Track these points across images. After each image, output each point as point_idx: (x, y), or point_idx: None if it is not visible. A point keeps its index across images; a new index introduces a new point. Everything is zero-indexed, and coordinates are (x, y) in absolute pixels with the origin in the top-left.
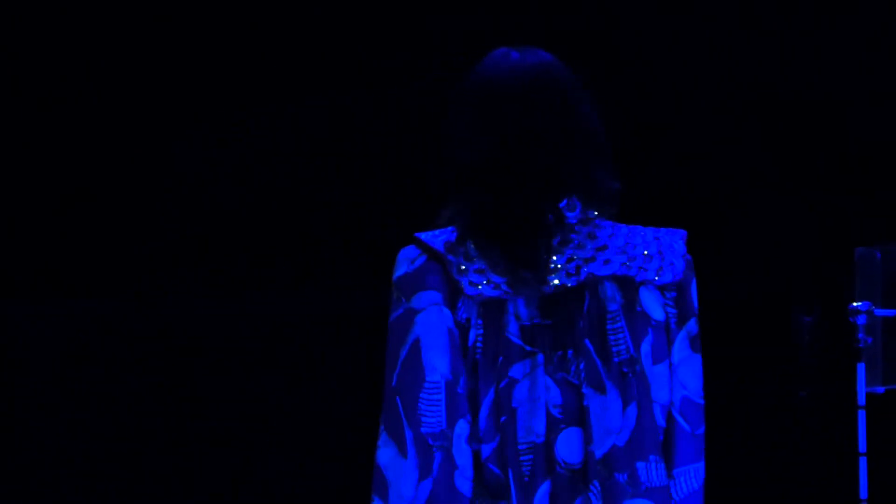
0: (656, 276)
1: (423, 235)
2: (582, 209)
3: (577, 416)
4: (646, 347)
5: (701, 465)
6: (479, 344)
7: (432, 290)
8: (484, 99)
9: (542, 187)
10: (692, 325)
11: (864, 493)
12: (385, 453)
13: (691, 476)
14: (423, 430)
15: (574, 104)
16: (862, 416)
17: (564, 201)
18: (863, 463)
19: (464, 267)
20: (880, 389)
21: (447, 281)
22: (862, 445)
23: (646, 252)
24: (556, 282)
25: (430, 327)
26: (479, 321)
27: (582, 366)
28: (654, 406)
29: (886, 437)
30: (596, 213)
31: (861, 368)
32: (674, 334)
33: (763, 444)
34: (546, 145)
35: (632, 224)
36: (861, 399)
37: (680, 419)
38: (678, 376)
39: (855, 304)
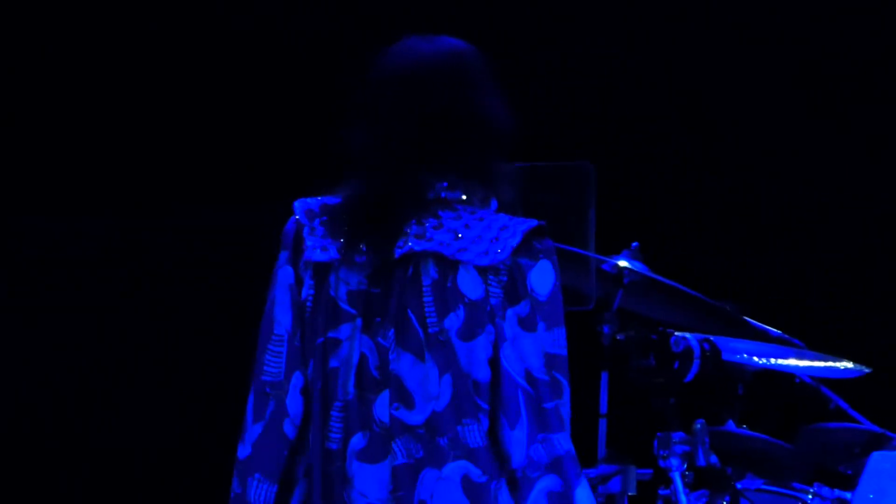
0: (477, 258)
1: (308, 198)
2: (460, 192)
3: (393, 378)
4: (453, 322)
5: (564, 436)
6: (308, 303)
7: (285, 250)
8: (380, 81)
9: (411, 166)
10: (523, 306)
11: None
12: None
13: (558, 443)
14: (263, 377)
15: (470, 93)
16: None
17: (444, 183)
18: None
19: (316, 230)
20: None
21: (297, 241)
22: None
23: (479, 235)
24: (388, 254)
25: (280, 284)
26: (311, 282)
27: (391, 333)
28: (466, 376)
29: None
30: (464, 197)
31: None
32: (497, 312)
33: None
34: (429, 128)
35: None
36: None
37: (528, 388)
38: (516, 351)
39: None
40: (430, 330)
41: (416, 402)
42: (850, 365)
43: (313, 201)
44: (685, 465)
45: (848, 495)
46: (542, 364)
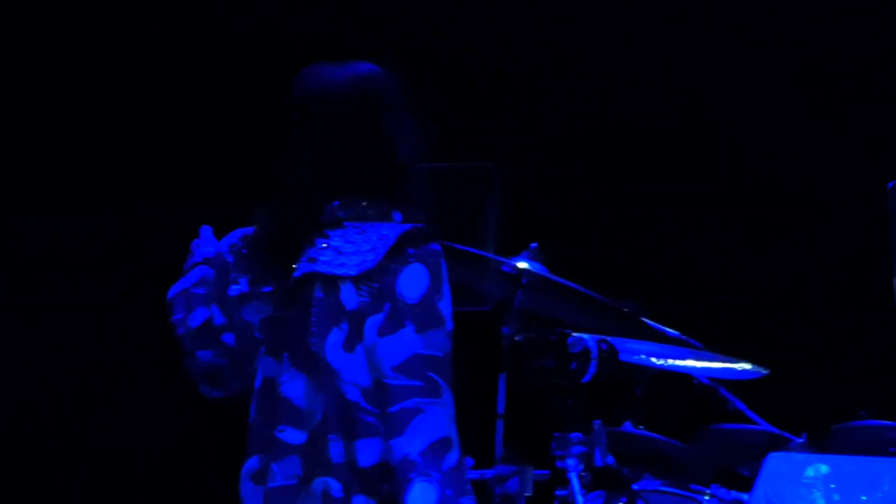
0: (352, 269)
1: (238, 230)
2: (351, 209)
3: (283, 400)
4: (338, 337)
5: (403, 440)
6: (233, 341)
7: (214, 284)
8: (292, 112)
9: (314, 191)
10: (383, 312)
11: None
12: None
13: (391, 451)
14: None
15: (375, 117)
16: None
17: (336, 203)
18: None
19: (236, 264)
20: None
21: (224, 277)
22: None
23: (357, 249)
24: (287, 280)
25: (205, 313)
26: (236, 316)
27: (286, 355)
28: (350, 391)
29: None
30: (353, 212)
31: None
32: (364, 320)
33: None
34: (333, 155)
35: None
36: None
37: (375, 399)
38: (370, 360)
39: None
40: (312, 349)
41: (304, 422)
42: (748, 366)
43: (238, 233)
44: (582, 466)
45: (745, 496)
46: (395, 367)
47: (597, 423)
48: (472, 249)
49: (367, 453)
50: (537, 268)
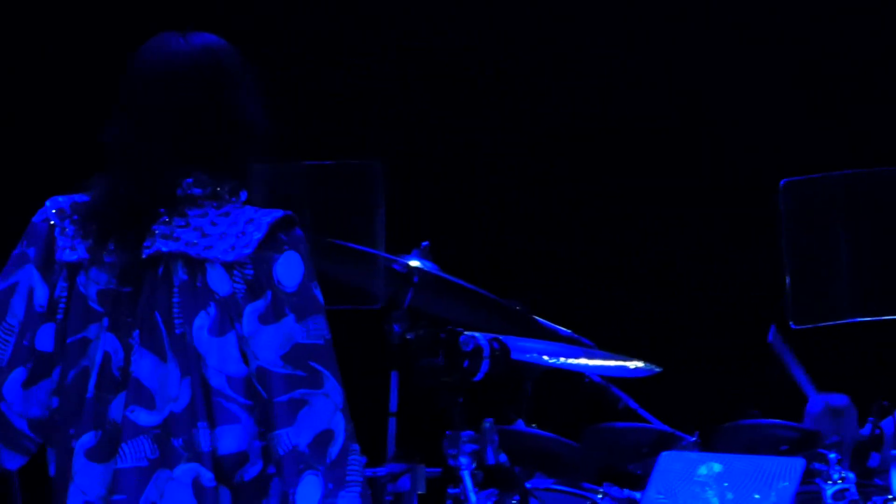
0: (224, 253)
1: (60, 196)
2: (209, 188)
3: (132, 380)
4: (205, 321)
5: (292, 431)
6: (61, 304)
7: (32, 247)
8: (134, 77)
9: (161, 163)
10: (264, 300)
11: None
12: None
13: (280, 441)
14: None
15: (222, 89)
16: None
17: (190, 179)
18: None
19: (67, 230)
20: None
21: (48, 241)
22: None
23: (225, 232)
24: (136, 254)
25: (21, 277)
26: (65, 283)
27: (136, 333)
28: (214, 377)
29: None
30: (210, 192)
31: None
32: (241, 308)
33: None
34: (180, 127)
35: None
36: None
37: (259, 387)
38: (251, 348)
39: None
40: (176, 331)
41: (157, 403)
42: (640, 364)
43: (64, 199)
44: (474, 464)
45: (637, 495)
46: (282, 356)
47: (488, 422)
48: (361, 247)
49: (225, 441)
50: (428, 266)
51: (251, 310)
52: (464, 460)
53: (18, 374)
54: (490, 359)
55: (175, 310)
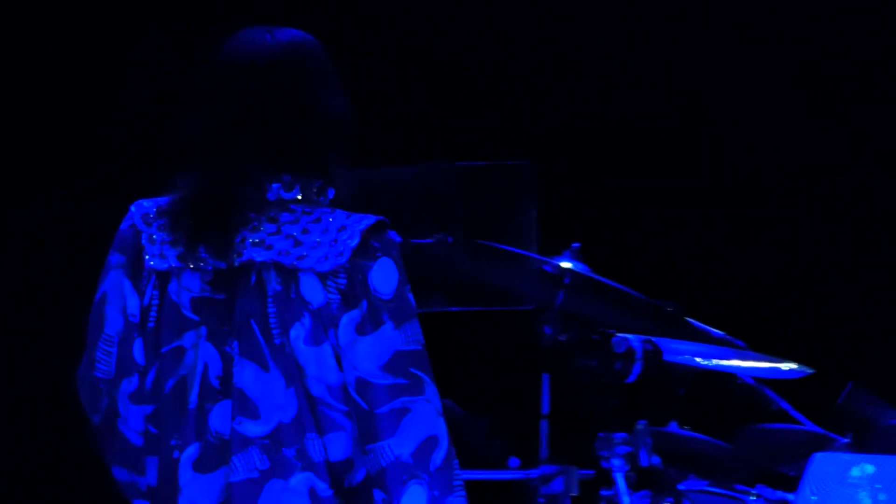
0: (318, 263)
1: (145, 201)
2: (298, 191)
3: (236, 390)
4: (300, 332)
5: (394, 441)
6: (152, 312)
7: (121, 255)
8: (221, 75)
9: (251, 166)
10: (360, 309)
11: None
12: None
13: (383, 452)
14: (96, 373)
15: (309, 87)
16: None
17: (278, 183)
18: None
19: (155, 237)
20: None
21: (136, 248)
22: None
23: (318, 240)
24: (228, 260)
25: (114, 287)
26: (156, 291)
27: (235, 343)
28: (314, 386)
29: None
30: (300, 196)
31: None
32: (336, 319)
33: None
34: (266, 124)
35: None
36: None
37: (358, 399)
38: (349, 358)
39: None
40: (275, 341)
41: (262, 413)
42: (793, 366)
43: (150, 204)
44: (628, 466)
45: (790, 497)
46: (382, 366)
47: (641, 424)
48: (513, 249)
49: (334, 449)
50: (580, 267)
51: (347, 320)
52: (617, 462)
53: (126, 386)
54: (643, 360)
55: (271, 320)
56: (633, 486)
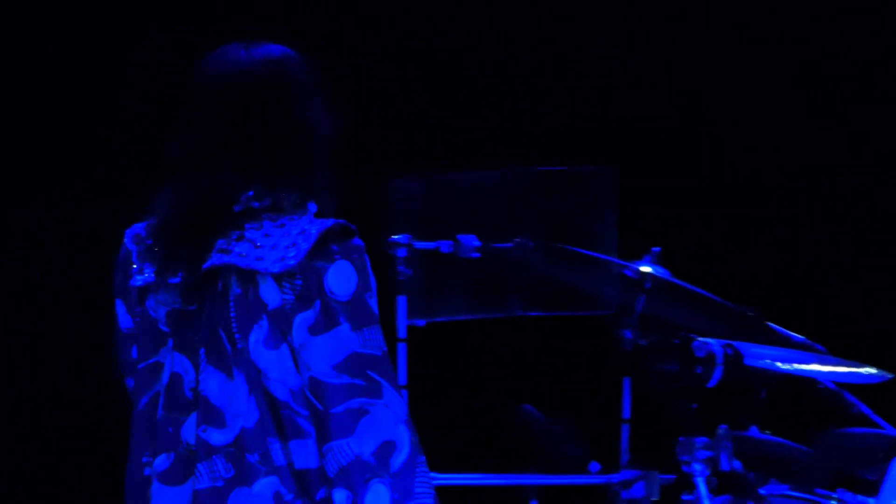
0: (273, 264)
1: (138, 223)
2: (269, 202)
3: (202, 398)
4: (259, 335)
5: (353, 440)
6: (136, 329)
7: (116, 276)
8: (198, 92)
9: (221, 179)
10: (313, 309)
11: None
12: None
13: (342, 451)
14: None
15: (284, 101)
16: (402, 348)
17: (251, 192)
18: (404, 395)
19: (141, 255)
20: (421, 322)
21: (126, 268)
22: (402, 378)
23: (276, 243)
24: (197, 271)
25: (116, 308)
26: (138, 308)
27: (202, 351)
28: (277, 390)
29: (427, 369)
30: (269, 203)
31: (401, 301)
32: (290, 319)
33: None
34: (242, 140)
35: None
36: (402, 332)
37: (313, 399)
38: (302, 359)
39: (394, 236)
40: (238, 346)
41: (227, 421)
42: (873, 370)
43: (141, 225)
44: (708, 471)
45: (871, 501)
46: (336, 366)
47: (722, 428)
48: (594, 253)
49: (300, 456)
50: (660, 271)
51: (300, 320)
52: (698, 467)
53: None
54: (723, 365)
55: (233, 324)
56: (713, 491)
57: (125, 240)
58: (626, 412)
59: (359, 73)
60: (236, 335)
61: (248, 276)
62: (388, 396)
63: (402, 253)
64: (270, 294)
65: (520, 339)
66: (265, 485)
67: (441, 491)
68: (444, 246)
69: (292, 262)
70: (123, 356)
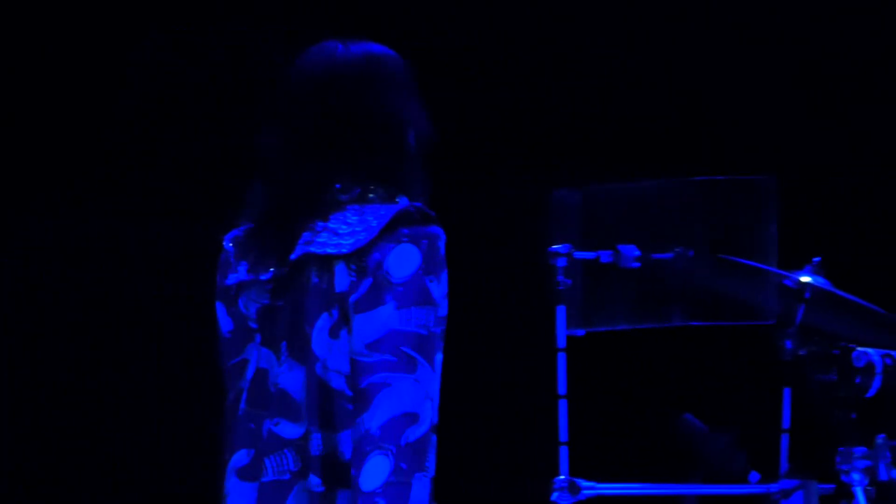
0: (344, 248)
1: (238, 228)
2: (357, 193)
3: (280, 392)
4: (325, 323)
5: (367, 415)
6: (231, 326)
7: (217, 278)
8: (290, 86)
9: (313, 174)
10: (363, 287)
11: (563, 435)
12: None
13: (356, 428)
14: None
15: (376, 95)
16: (562, 358)
17: (338, 185)
18: (563, 405)
19: (237, 255)
20: (580, 332)
21: (225, 270)
22: (562, 388)
23: (353, 230)
24: (286, 265)
25: (217, 311)
26: (233, 308)
27: (283, 345)
28: (331, 378)
29: (586, 379)
30: (357, 194)
31: (561, 311)
32: (350, 300)
33: (467, 384)
34: (330, 133)
35: None
36: (561, 342)
37: (348, 387)
38: (350, 338)
39: (554, 246)
40: (312, 337)
41: (303, 414)
42: None
43: (240, 229)
44: (867, 480)
45: None
46: (369, 344)
47: (881, 438)
48: (753, 263)
49: (349, 444)
50: (820, 282)
51: (352, 300)
52: (856, 476)
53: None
54: (883, 375)
55: (309, 314)
56: (872, 501)
57: (225, 243)
58: (786, 422)
59: (524, 84)
60: (307, 326)
61: (325, 264)
62: (421, 373)
63: (562, 263)
64: (342, 278)
65: (679, 349)
66: (309, 480)
67: (602, 500)
68: (604, 256)
69: (361, 242)
70: (226, 360)
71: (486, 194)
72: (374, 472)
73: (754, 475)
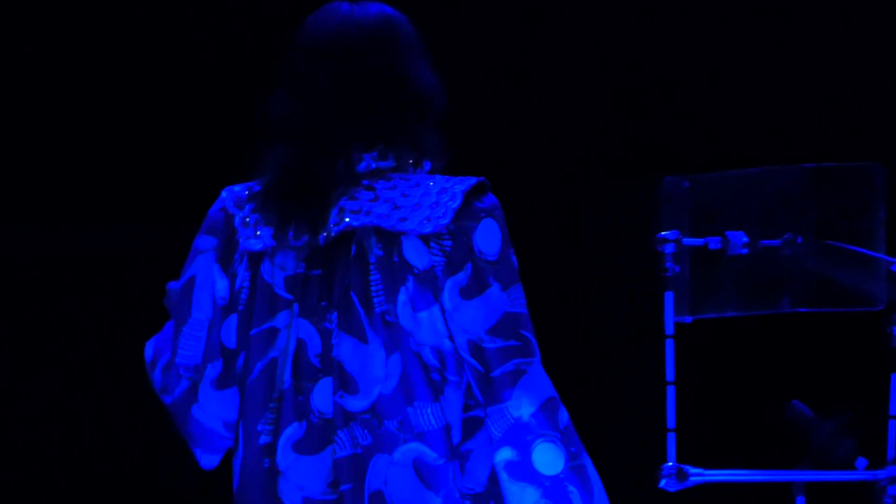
0: (420, 225)
1: (235, 186)
2: (392, 160)
3: (336, 365)
4: (404, 296)
5: (512, 404)
6: (243, 294)
7: (213, 237)
8: (303, 49)
9: (337, 137)
10: (464, 272)
11: (671, 422)
12: (148, 351)
13: (503, 415)
14: (178, 359)
15: (398, 58)
16: (670, 345)
17: (373, 153)
18: (671, 392)
19: (248, 219)
20: (688, 319)
21: (228, 231)
22: (670, 374)
23: (418, 203)
24: (325, 234)
25: (203, 271)
26: (247, 273)
27: (334, 316)
28: (423, 351)
29: (693, 365)
30: (395, 165)
31: (669, 297)
32: (441, 282)
33: (574, 371)
34: (356, 95)
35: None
36: (669, 328)
37: (474, 362)
38: (456, 322)
39: (663, 232)
40: (375, 310)
41: (360, 387)
42: None
43: (241, 188)
44: None
45: None
46: (490, 329)
47: None
48: (862, 250)
49: (439, 416)
50: None
51: (452, 284)
52: None
53: (210, 371)
54: None
55: (373, 287)
56: None
57: (224, 203)
58: (893, 408)
59: (633, 73)
60: (376, 299)
61: (391, 238)
62: (538, 354)
63: (670, 249)
64: (418, 255)
65: (787, 336)
66: (405, 452)
67: (710, 487)
68: (713, 242)
69: (443, 221)
70: (212, 335)
71: (593, 183)
72: (550, 458)
73: (862, 461)
